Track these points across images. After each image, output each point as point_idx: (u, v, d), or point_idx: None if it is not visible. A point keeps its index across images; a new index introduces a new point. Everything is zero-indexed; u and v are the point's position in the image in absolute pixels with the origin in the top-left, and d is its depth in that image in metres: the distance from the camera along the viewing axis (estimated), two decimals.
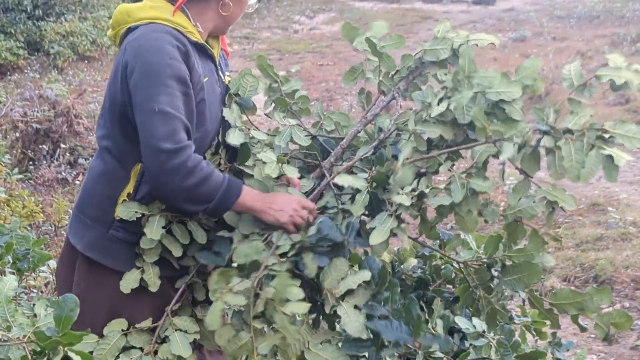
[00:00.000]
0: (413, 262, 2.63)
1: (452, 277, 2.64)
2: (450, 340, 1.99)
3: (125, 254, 2.07)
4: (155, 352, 1.99)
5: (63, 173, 6.06)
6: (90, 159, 6.42)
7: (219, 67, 2.21)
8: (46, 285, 3.53)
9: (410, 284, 2.63)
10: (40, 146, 6.37)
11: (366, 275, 1.87)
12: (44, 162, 6.24)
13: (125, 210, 2.02)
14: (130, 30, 2.06)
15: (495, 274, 2.07)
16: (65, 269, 2.19)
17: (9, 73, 11.01)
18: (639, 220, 5.48)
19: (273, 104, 2.30)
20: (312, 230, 1.96)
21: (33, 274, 3.45)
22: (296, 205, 2.02)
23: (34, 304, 2.15)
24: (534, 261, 1.98)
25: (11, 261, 2.83)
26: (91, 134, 7.05)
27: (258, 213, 2.03)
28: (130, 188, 2.05)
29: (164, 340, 2.03)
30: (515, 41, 14.47)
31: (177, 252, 2.06)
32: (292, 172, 2.09)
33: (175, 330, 2.00)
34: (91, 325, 2.02)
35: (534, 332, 2.64)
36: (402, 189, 1.91)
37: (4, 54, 11.11)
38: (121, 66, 1.99)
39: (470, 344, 2.45)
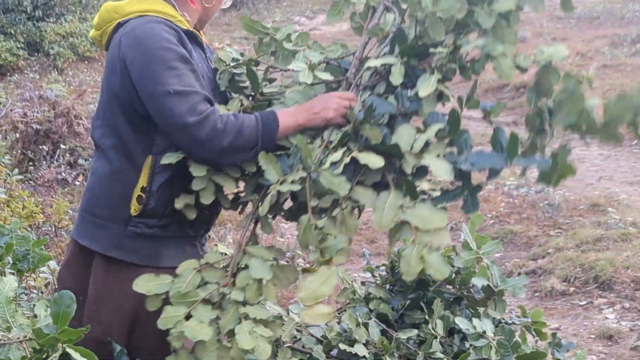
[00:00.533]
0: None
1: (452, 277, 2.64)
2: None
3: (148, 248, 2.06)
4: (234, 283, 1.93)
5: (63, 174, 6.06)
6: (90, 159, 6.42)
7: (207, 56, 2.23)
8: (46, 285, 3.53)
9: (410, 284, 2.63)
10: (40, 147, 6.36)
11: (438, 125, 1.82)
12: (44, 162, 6.24)
13: (169, 158, 2.00)
14: (120, 25, 2.05)
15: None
16: (73, 273, 2.16)
17: (9, 74, 11.02)
18: (639, 221, 5.48)
19: (273, 57, 2.25)
20: (358, 107, 1.93)
21: (33, 274, 3.45)
22: (336, 98, 1.99)
23: (34, 305, 2.14)
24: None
25: (11, 262, 2.83)
26: None
27: (306, 124, 2.00)
28: (143, 182, 2.03)
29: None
30: None
31: (231, 187, 2.03)
32: (326, 75, 2.07)
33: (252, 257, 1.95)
34: (107, 324, 2.01)
35: (534, 333, 2.64)
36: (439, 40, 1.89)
37: (4, 55, 11.12)
38: (119, 60, 1.98)
39: (471, 345, 2.45)
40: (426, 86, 1.85)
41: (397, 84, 1.92)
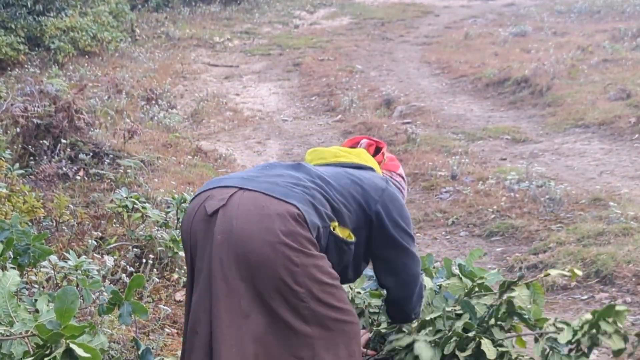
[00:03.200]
0: None
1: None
2: None
3: None
4: None
5: (64, 168, 6.04)
6: (90, 154, 6.41)
7: None
8: (47, 280, 3.52)
9: None
10: (41, 141, 6.34)
11: None
12: (45, 157, 6.22)
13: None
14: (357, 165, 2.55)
15: None
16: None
17: (9, 68, 10.99)
18: None
19: None
20: None
21: (34, 269, 3.45)
22: None
23: (35, 300, 2.14)
24: None
25: (12, 256, 2.83)
26: (92, 129, 7.03)
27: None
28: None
29: None
30: (516, 36, 14.45)
31: None
32: None
33: None
34: None
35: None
36: None
37: (4, 49, 11.08)
38: (376, 196, 2.42)
39: None
40: None
41: None
